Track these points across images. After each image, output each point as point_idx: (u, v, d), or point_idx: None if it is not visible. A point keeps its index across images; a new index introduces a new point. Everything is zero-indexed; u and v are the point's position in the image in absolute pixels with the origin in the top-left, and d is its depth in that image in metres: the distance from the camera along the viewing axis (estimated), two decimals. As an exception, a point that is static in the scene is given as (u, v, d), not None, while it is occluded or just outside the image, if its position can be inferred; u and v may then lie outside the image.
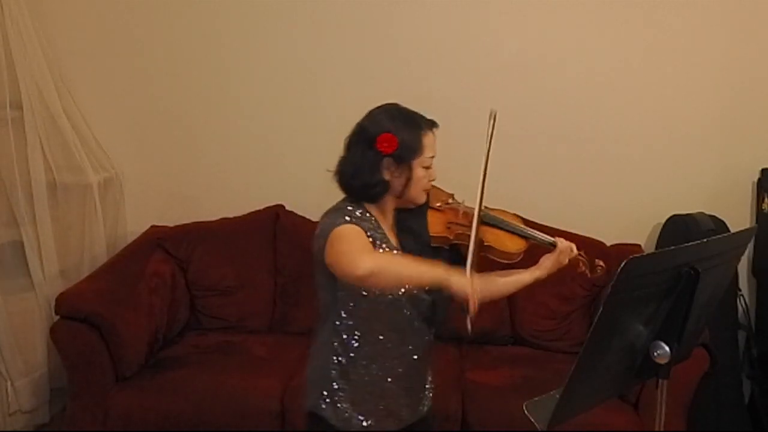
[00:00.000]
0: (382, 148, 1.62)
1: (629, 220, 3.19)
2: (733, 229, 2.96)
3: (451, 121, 2.99)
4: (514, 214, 1.89)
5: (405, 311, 1.71)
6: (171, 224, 3.27)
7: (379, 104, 1.74)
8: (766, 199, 3.05)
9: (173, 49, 3.29)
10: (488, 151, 1.73)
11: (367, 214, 1.69)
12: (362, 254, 1.53)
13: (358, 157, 1.66)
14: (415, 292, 1.70)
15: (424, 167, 1.67)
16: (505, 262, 1.77)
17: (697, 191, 3.17)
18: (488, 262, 1.77)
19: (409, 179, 1.65)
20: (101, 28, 3.27)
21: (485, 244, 1.74)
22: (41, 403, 3.03)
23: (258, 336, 3.04)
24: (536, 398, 1.42)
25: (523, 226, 1.84)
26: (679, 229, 3.04)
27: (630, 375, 1.41)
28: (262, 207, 3.29)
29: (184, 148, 3.38)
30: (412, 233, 1.72)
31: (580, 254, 1.81)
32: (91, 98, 3.29)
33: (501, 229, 1.79)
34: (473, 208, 1.73)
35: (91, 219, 3.19)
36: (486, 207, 1.81)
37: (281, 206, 3.30)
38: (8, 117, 2.91)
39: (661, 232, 3.15)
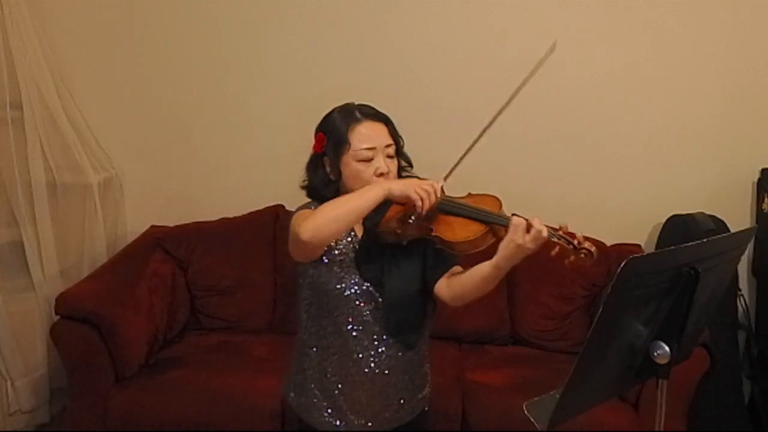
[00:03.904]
0: (316, 148, 1.70)
1: (629, 220, 3.19)
2: (733, 229, 2.96)
3: (451, 121, 3.03)
4: (493, 197, 1.68)
5: (359, 305, 1.68)
6: (171, 224, 3.27)
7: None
8: (766, 199, 3.05)
9: (173, 50, 3.29)
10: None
11: None
12: (302, 222, 1.57)
13: (309, 162, 1.75)
14: (366, 287, 1.67)
15: (359, 160, 1.64)
16: (461, 252, 1.59)
17: (697, 191, 3.17)
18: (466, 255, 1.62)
19: (341, 175, 1.66)
20: (101, 28, 3.27)
21: (434, 234, 1.59)
22: (41, 403, 3.03)
23: (258, 336, 3.04)
24: (536, 398, 1.42)
25: (483, 208, 1.61)
26: (679, 229, 3.04)
27: (630, 375, 1.41)
28: (262, 207, 3.29)
29: (184, 148, 3.38)
30: (367, 231, 1.70)
31: (558, 235, 1.51)
32: (91, 98, 3.29)
33: (457, 215, 1.61)
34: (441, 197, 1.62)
35: (91, 219, 3.19)
36: (471, 193, 1.71)
37: (281, 206, 3.30)
38: (8, 117, 2.91)
39: (661, 232, 3.15)
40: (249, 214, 3.29)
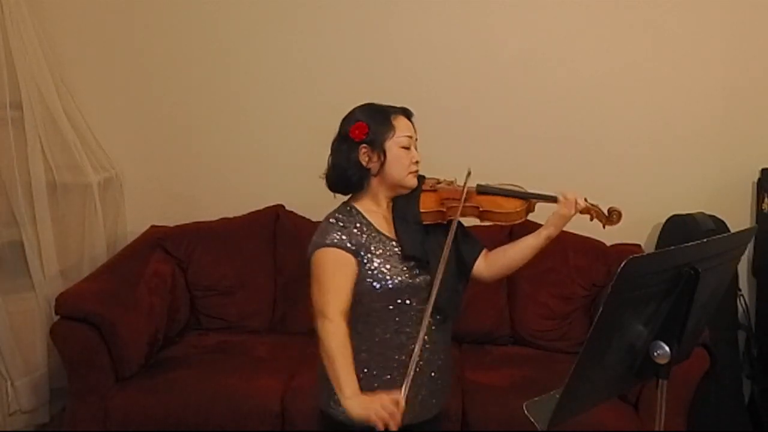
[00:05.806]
0: (354, 136, 1.74)
1: (629, 220, 3.16)
2: (733, 229, 2.96)
3: (452, 121, 3.00)
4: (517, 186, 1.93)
5: (407, 303, 1.74)
6: (171, 224, 3.27)
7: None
8: (766, 199, 3.05)
9: (173, 50, 3.29)
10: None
11: (357, 215, 1.77)
12: (325, 310, 1.64)
13: (336, 152, 1.78)
14: (410, 281, 1.74)
15: (401, 147, 1.75)
16: (507, 223, 1.85)
17: (697, 191, 3.17)
18: (496, 230, 1.79)
19: (385, 159, 1.74)
20: (101, 29, 3.27)
21: (482, 210, 1.81)
22: (41, 403, 3.03)
23: (258, 336, 3.04)
24: (536, 398, 1.42)
25: (521, 189, 1.88)
26: (679, 229, 3.04)
27: (630, 375, 1.41)
28: (262, 207, 3.29)
29: (184, 148, 3.38)
30: (404, 216, 1.78)
31: (590, 204, 1.82)
32: (91, 98, 3.29)
33: (497, 195, 1.86)
34: (470, 186, 1.82)
35: (91, 219, 3.19)
36: (489, 184, 1.89)
37: (281, 206, 3.30)
38: (8, 117, 2.91)
39: (661, 232, 3.15)
40: (249, 214, 3.29)
